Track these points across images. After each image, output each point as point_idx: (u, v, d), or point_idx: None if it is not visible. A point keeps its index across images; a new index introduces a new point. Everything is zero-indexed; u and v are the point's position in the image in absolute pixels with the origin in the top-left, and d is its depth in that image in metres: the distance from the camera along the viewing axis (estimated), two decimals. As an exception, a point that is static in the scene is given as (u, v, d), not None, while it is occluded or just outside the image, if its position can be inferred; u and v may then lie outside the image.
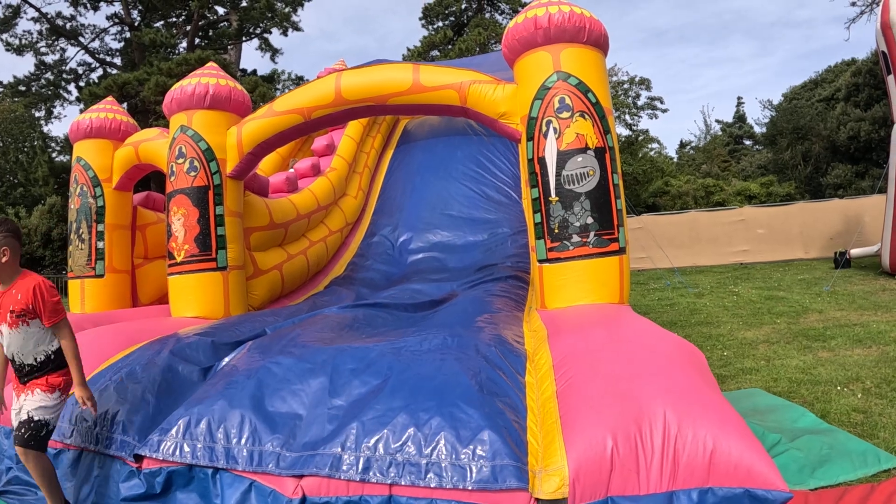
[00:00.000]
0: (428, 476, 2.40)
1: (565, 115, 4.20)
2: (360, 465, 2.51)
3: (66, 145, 24.37)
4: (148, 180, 16.46)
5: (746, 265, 15.96)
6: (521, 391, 2.81)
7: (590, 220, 4.05)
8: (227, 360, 3.62)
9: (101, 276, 6.29)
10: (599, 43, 4.55)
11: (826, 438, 3.54)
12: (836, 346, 6.00)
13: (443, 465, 2.42)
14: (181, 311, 5.33)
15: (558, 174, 4.12)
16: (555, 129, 4.18)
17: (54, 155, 26.77)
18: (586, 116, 4.21)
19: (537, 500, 2.24)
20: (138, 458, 2.98)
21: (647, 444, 2.26)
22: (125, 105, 21.95)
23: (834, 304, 8.45)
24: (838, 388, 4.66)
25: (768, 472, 2.14)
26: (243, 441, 2.80)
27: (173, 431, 2.94)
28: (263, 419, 2.86)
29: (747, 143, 36.36)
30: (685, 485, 2.21)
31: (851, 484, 3.06)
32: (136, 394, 3.29)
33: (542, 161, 4.20)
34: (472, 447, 2.41)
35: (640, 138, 29.77)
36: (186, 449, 2.87)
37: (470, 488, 2.33)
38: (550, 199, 4.14)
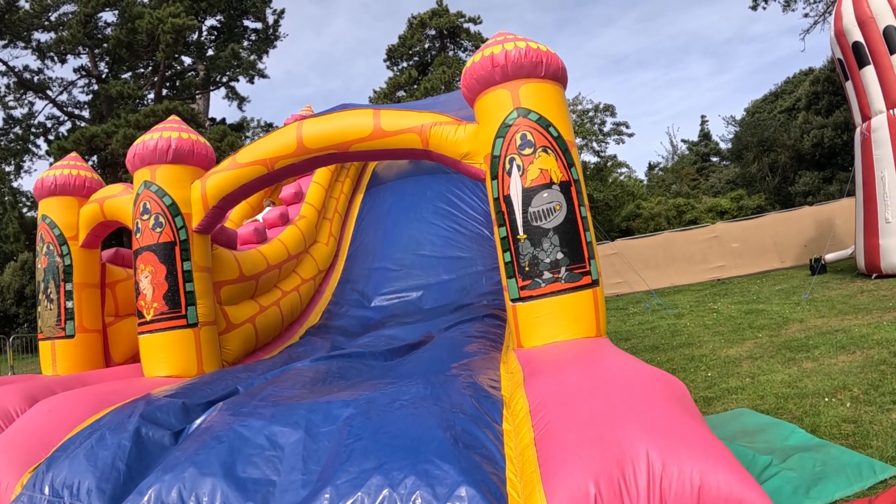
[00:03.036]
0: None
1: (528, 151, 4.21)
2: None
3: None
4: (119, 235, 16.22)
5: (724, 280, 16.12)
6: (499, 440, 2.74)
7: (560, 256, 4.03)
8: (198, 422, 3.52)
9: (72, 336, 6.14)
10: (558, 76, 4.60)
11: (818, 455, 3.52)
12: (819, 356, 6.02)
13: None
14: (153, 370, 5.18)
15: (524, 211, 4.11)
16: (518, 166, 4.19)
17: (25, 210, 26.31)
18: (549, 151, 4.23)
19: None
20: None
21: (631, 486, 2.19)
22: (94, 158, 21.80)
23: (814, 312, 8.53)
24: (826, 399, 4.66)
25: (760, 503, 2.08)
26: None
27: (143, 500, 2.85)
28: (235, 486, 2.77)
29: (714, 159, 37.15)
30: None
31: (849, 499, 3.02)
32: (106, 461, 3.19)
33: (507, 199, 4.19)
34: None
35: (609, 164, 30.21)
36: None
37: None
38: (519, 237, 4.12)
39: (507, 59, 4.41)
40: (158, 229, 5.23)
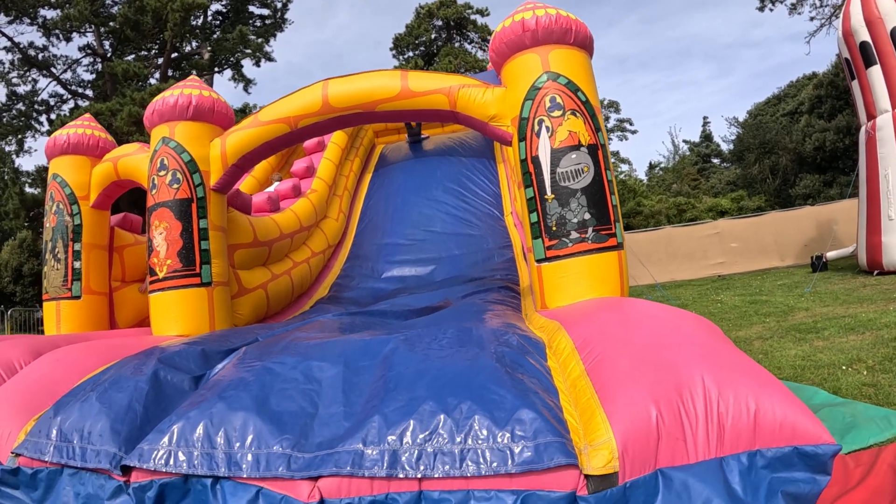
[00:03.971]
0: (464, 464, 2.19)
1: (557, 113, 4.20)
2: (386, 460, 2.28)
3: (38, 178, 23.82)
4: (118, 205, 16.09)
5: (724, 276, 16.16)
6: (548, 374, 2.67)
7: (587, 216, 4.02)
8: (220, 366, 3.37)
9: (78, 297, 6.06)
10: (585, 44, 4.60)
11: (845, 409, 3.57)
12: (829, 336, 6.02)
13: (480, 450, 2.21)
14: (163, 329, 5.12)
15: (553, 172, 4.10)
16: (547, 127, 4.18)
17: (25, 187, 26.11)
18: (577, 114, 4.22)
19: (587, 476, 2.08)
20: (126, 471, 2.68)
21: (689, 409, 2.16)
22: (96, 135, 21.56)
23: (819, 302, 8.55)
24: (843, 368, 4.68)
25: (814, 428, 2.07)
26: (247, 444, 2.53)
27: (165, 439, 2.64)
28: (270, 420, 2.59)
29: (715, 161, 37.24)
30: (733, 449, 2.12)
31: (882, 444, 3.07)
32: (121, 403, 2.96)
33: (535, 160, 4.18)
34: (510, 428, 2.22)
35: (612, 160, 30.20)
36: (182, 458, 2.57)
37: (513, 472, 2.13)
38: (546, 197, 4.11)
39: (538, 24, 4.40)
40: (175, 185, 5.18)
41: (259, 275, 6.23)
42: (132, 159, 5.93)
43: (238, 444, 2.56)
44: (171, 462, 2.59)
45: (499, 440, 2.21)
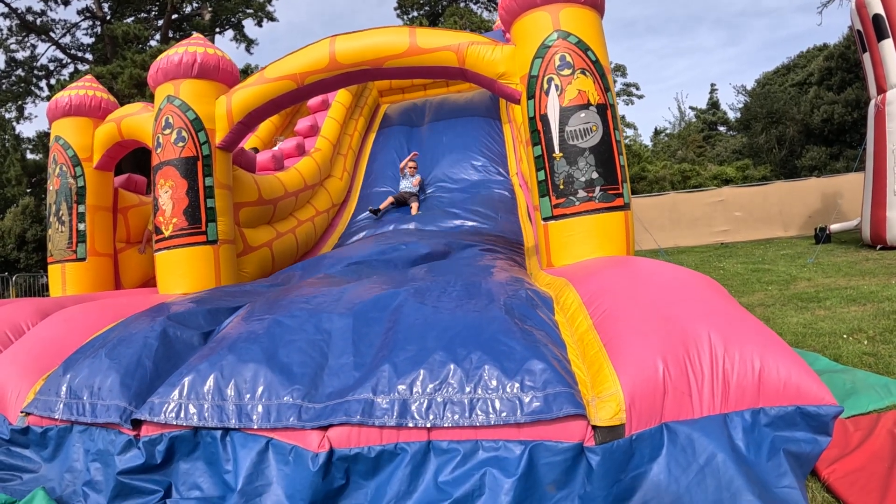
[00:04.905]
0: (474, 414, 2.22)
1: (566, 72, 4.14)
2: (396, 410, 2.30)
3: (39, 144, 23.66)
4: (120, 168, 16.01)
5: (727, 244, 16.15)
6: (556, 326, 2.68)
7: (595, 175, 4.00)
8: (228, 321, 3.36)
9: (83, 259, 6.07)
10: (596, 4, 4.52)
11: (846, 375, 3.60)
12: (831, 306, 6.05)
13: (489, 399, 2.23)
14: (170, 287, 5.14)
15: (561, 130, 4.06)
16: (556, 85, 4.13)
17: (26, 155, 25.95)
18: (587, 73, 4.16)
19: (594, 428, 2.12)
20: (136, 425, 2.70)
21: (696, 366, 2.19)
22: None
23: (821, 273, 8.56)
24: (844, 336, 4.72)
25: (818, 389, 2.10)
26: (258, 396, 2.55)
27: (176, 393, 2.66)
28: (280, 371, 2.61)
29: (721, 129, 36.80)
30: (737, 406, 2.15)
31: (881, 411, 3.11)
32: (130, 359, 2.96)
33: (544, 118, 4.14)
34: (520, 378, 2.24)
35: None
36: (192, 410, 2.59)
37: (522, 421, 2.16)
38: (554, 155, 4.08)
39: (549, -20, 4.30)
40: (181, 144, 5.15)
41: (264, 233, 6.24)
42: (136, 119, 5.88)
43: (248, 396, 2.58)
44: (182, 415, 2.60)
45: (508, 390, 2.23)
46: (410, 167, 7.92)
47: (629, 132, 30.79)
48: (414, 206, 7.56)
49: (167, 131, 5.18)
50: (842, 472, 2.48)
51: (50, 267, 6.19)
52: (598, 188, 3.98)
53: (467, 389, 2.28)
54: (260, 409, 2.53)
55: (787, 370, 2.14)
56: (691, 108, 39.18)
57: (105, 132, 6.12)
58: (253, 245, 5.89)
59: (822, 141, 24.45)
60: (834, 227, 13.27)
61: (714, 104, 37.96)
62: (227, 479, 2.49)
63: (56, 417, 2.93)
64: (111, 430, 2.76)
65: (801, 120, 24.93)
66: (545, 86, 4.16)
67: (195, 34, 5.85)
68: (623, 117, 30.36)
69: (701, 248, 15.62)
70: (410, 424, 2.27)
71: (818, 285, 7.48)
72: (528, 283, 3.21)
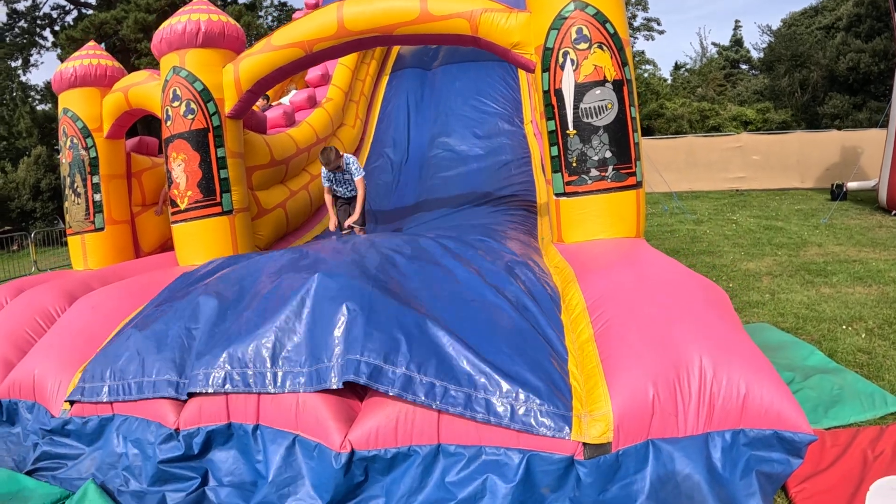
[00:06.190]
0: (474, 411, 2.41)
1: (583, 45, 4.02)
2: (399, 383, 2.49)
3: (47, 93, 23.37)
4: (134, 129, 15.96)
5: (743, 192, 15.92)
6: (561, 332, 2.79)
7: (608, 155, 3.95)
8: (253, 289, 3.29)
9: (102, 229, 6.12)
10: (617, -29, 4.32)
11: (836, 378, 3.62)
12: (837, 283, 6.06)
13: (489, 399, 2.42)
14: (188, 259, 5.23)
15: (576, 107, 3.99)
16: (572, 60, 4.02)
17: (35, 104, 25.74)
18: (604, 48, 4.04)
19: (584, 444, 2.29)
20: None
21: (684, 388, 2.31)
22: (104, 46, 21.03)
23: (832, 238, 8.49)
24: (843, 326, 4.74)
25: (796, 417, 2.22)
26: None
27: (220, 361, 2.80)
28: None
29: (744, 67, 35.44)
30: (720, 426, 2.28)
31: (861, 425, 3.14)
32: (173, 335, 3.09)
33: (558, 93, 4.06)
34: (515, 390, 2.42)
35: (636, 60, 28.90)
36: (237, 378, 2.74)
37: (514, 428, 2.35)
38: (568, 132, 4.02)
39: (567, -54, 4.11)
40: (190, 116, 5.12)
41: (277, 193, 6.26)
42: (142, 88, 5.79)
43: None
44: (228, 384, 2.74)
45: (504, 397, 2.41)
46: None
47: (648, 68, 29.59)
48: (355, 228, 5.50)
49: (176, 103, 5.14)
50: (809, 492, 2.54)
51: (70, 238, 6.25)
52: (610, 167, 3.94)
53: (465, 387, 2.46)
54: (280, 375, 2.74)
55: (771, 396, 2.25)
56: (714, 43, 37.65)
57: (112, 102, 6.05)
58: (267, 207, 5.93)
59: (846, 89, 23.57)
60: (851, 185, 12.88)
61: (738, 41, 36.40)
62: (259, 468, 2.69)
63: (103, 401, 3.05)
64: (151, 421, 2.91)
65: (826, 65, 23.98)
66: (560, 59, 4.05)
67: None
68: (643, 53, 29.25)
69: (716, 195, 15.40)
70: (426, 401, 2.46)
71: (828, 254, 7.43)
72: (537, 272, 3.25)
